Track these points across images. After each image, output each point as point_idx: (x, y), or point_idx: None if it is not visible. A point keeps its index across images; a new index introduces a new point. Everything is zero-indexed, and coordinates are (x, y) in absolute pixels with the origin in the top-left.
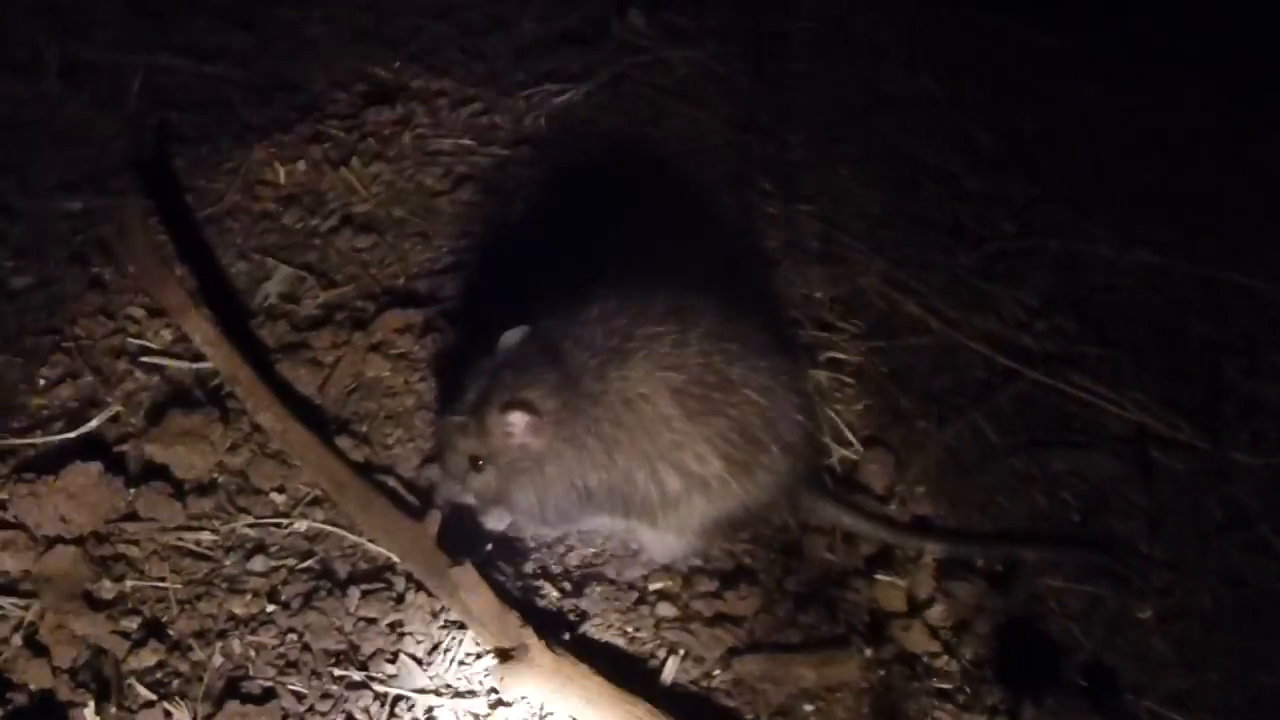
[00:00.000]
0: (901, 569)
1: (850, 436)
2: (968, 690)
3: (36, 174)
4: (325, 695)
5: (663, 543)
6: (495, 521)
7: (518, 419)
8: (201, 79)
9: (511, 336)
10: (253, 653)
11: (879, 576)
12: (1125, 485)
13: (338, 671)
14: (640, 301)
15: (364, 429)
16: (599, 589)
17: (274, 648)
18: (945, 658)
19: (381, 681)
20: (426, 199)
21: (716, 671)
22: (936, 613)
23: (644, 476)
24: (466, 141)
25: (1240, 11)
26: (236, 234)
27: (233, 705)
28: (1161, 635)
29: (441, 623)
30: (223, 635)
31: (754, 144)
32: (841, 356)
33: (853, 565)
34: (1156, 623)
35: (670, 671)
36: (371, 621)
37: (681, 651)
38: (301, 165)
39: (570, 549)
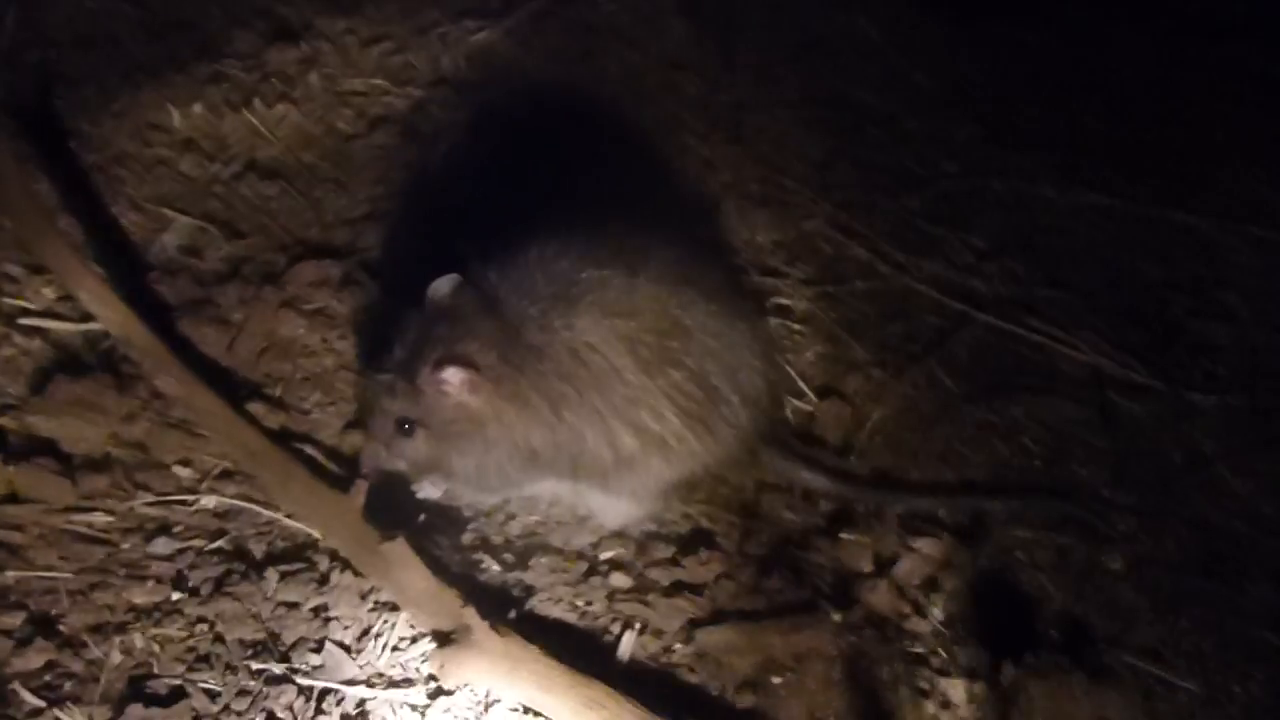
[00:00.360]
0: (865, 526)
1: (803, 386)
2: (942, 652)
3: None
4: (242, 692)
5: (615, 507)
6: (429, 490)
7: (454, 375)
8: (85, 14)
9: (442, 286)
10: (157, 647)
11: (842, 535)
12: (1085, 430)
13: (256, 665)
14: (583, 243)
15: (278, 392)
16: (545, 560)
17: (182, 640)
18: (916, 618)
19: (306, 674)
20: (339, 143)
21: (677, 645)
22: (903, 570)
23: (595, 435)
24: (379, 81)
25: None
26: (128, 183)
27: (135, 709)
28: (1131, 584)
29: (371, 605)
30: (122, 629)
31: (687, 84)
32: (788, 303)
33: (814, 524)
34: (1126, 571)
35: (627, 647)
36: (293, 606)
37: (638, 625)
38: (198, 108)
39: (511, 517)
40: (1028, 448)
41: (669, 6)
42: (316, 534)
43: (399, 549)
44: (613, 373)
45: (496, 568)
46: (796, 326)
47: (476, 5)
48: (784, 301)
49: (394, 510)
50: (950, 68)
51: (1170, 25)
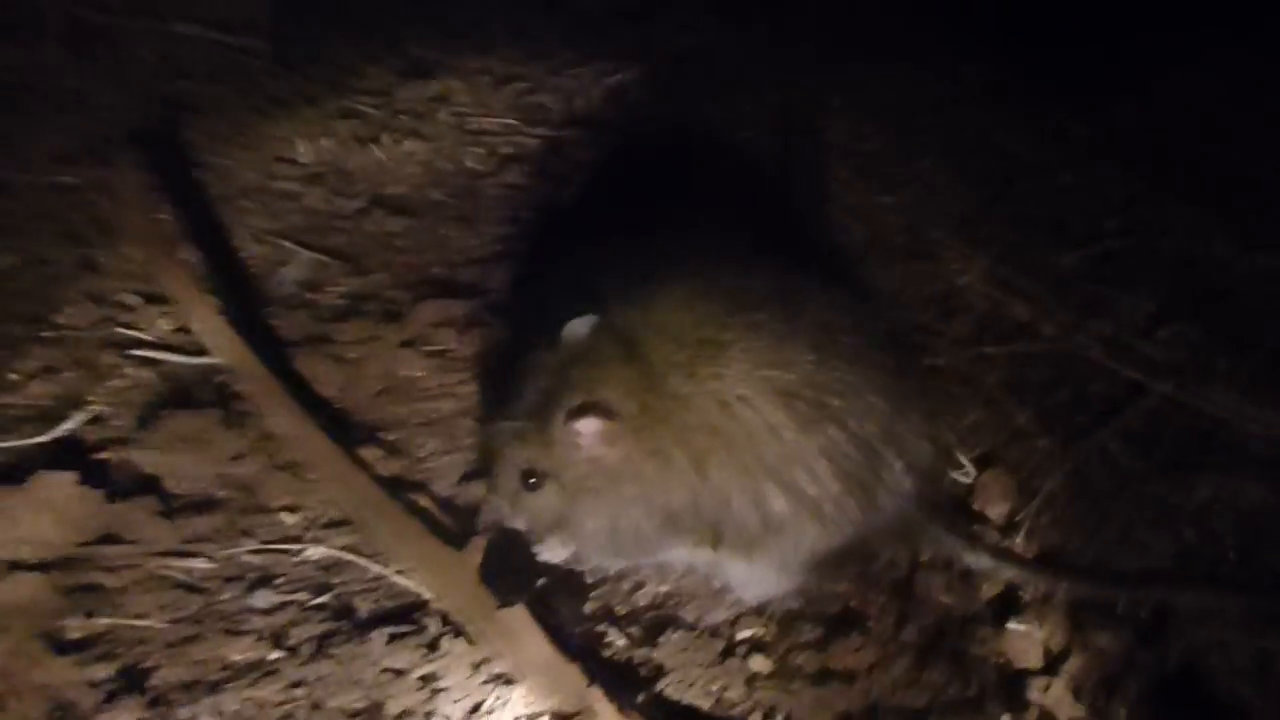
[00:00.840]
0: (1033, 614)
1: (961, 457)
2: None
3: (32, 146)
4: None
5: (757, 579)
6: (554, 551)
7: (590, 425)
8: (220, 49)
9: (579, 326)
10: (252, 710)
11: (1009, 625)
12: None
13: None
14: (732, 285)
15: (394, 437)
16: (676, 636)
17: (278, 704)
18: None
19: None
20: (468, 181)
21: None
22: (1076, 667)
23: (742, 497)
24: (511, 121)
25: None
26: (252, 215)
27: None
28: None
29: (485, 677)
30: (215, 689)
31: (829, 131)
32: (942, 363)
33: (975, 610)
34: None
35: None
36: (399, 674)
37: (781, 716)
38: (326, 142)
39: (639, 586)
40: (1218, 534)
41: (803, 52)
42: (427, 594)
43: (518, 616)
44: (765, 428)
45: (623, 642)
46: (953, 388)
47: (611, 48)
48: (937, 362)
49: (513, 573)
50: (1105, 116)
51: None
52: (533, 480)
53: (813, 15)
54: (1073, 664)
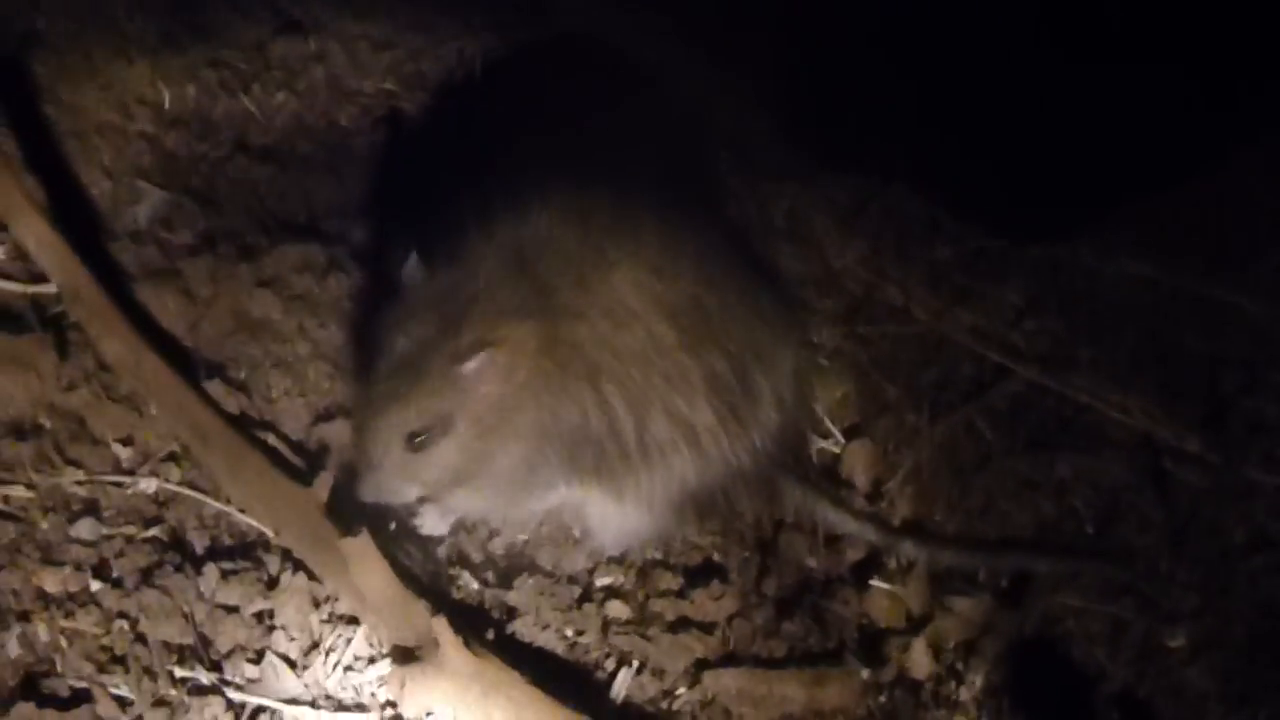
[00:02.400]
0: (895, 579)
1: (830, 426)
2: None
3: None
4: (160, 702)
5: (620, 521)
6: (434, 523)
7: (487, 360)
8: None
9: (411, 267)
10: (64, 642)
11: (873, 583)
12: (1138, 496)
13: (180, 671)
14: (618, 204)
15: (242, 375)
16: (531, 581)
17: (95, 637)
18: (953, 684)
19: (239, 687)
20: (339, 137)
21: (681, 689)
22: (937, 631)
23: (629, 419)
24: (388, 86)
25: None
26: (104, 153)
27: (25, 709)
28: (1198, 666)
29: (325, 615)
30: (25, 617)
31: (719, 118)
32: (817, 339)
33: (838, 572)
34: (1191, 652)
35: (622, 685)
36: (232, 610)
37: (637, 662)
38: (192, 90)
39: (495, 534)
40: (1077, 509)
41: (699, 40)
42: (269, 531)
43: (361, 546)
44: (654, 345)
45: (475, 585)
46: (824, 363)
47: (498, 21)
48: (812, 337)
49: (361, 512)
50: (983, 123)
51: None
52: (420, 439)
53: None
54: (933, 627)
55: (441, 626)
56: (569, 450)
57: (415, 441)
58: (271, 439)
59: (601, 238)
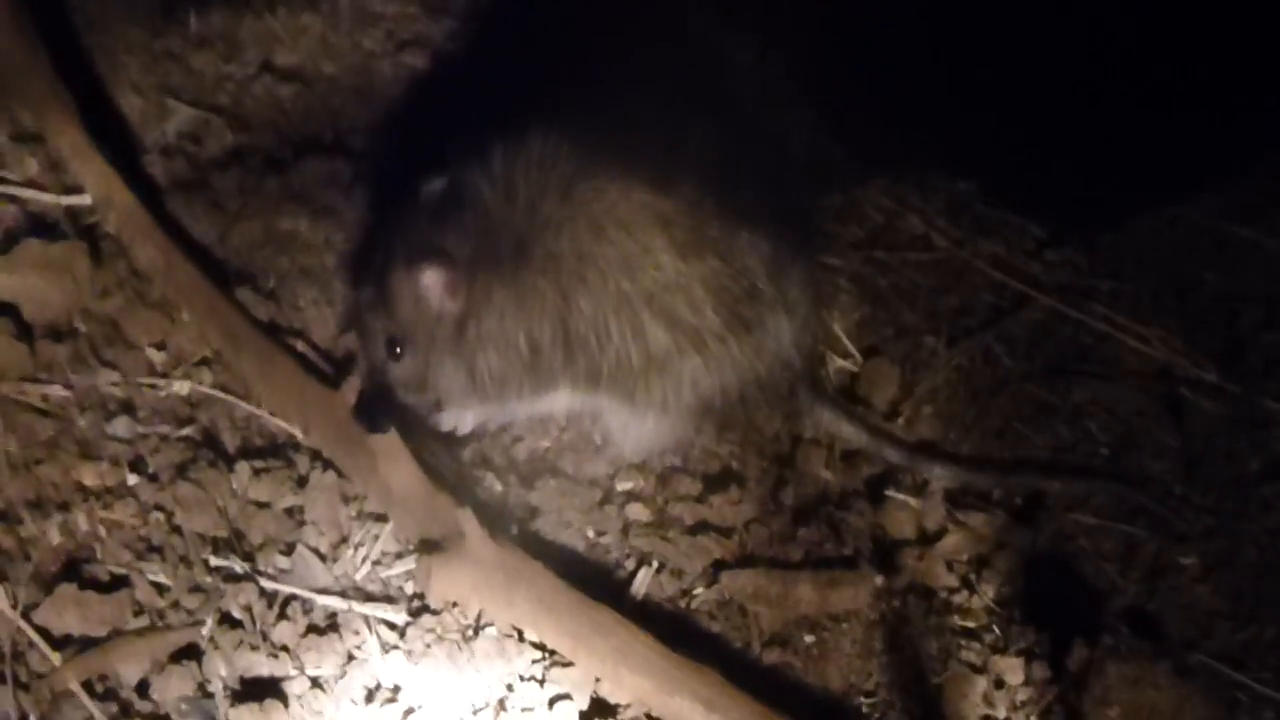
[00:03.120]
0: (909, 494)
1: (849, 346)
2: (996, 630)
3: None
4: (195, 588)
5: (638, 428)
6: (454, 421)
7: (426, 277)
8: None
9: (435, 185)
10: (104, 531)
11: (888, 494)
12: (1154, 423)
13: (214, 560)
14: (618, 111)
15: (271, 284)
16: (553, 483)
17: (133, 528)
18: (965, 593)
19: (271, 577)
20: (363, 59)
21: (699, 589)
22: (950, 545)
23: (620, 327)
24: (412, 9)
25: None
26: (132, 70)
27: (67, 589)
28: (1209, 587)
29: (354, 512)
30: (65, 508)
31: (738, 50)
32: (837, 262)
33: (854, 486)
34: (1201, 571)
35: (642, 584)
36: (263, 506)
37: (656, 562)
38: (217, 9)
39: (518, 439)
40: (1092, 434)
41: None
42: (299, 433)
43: (390, 445)
44: (644, 254)
45: (499, 486)
46: (844, 284)
47: None
48: (833, 260)
49: (388, 415)
50: (1007, 59)
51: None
52: (397, 348)
53: None
54: (947, 541)
55: (466, 517)
56: (559, 358)
57: (394, 350)
58: (300, 345)
59: (594, 150)
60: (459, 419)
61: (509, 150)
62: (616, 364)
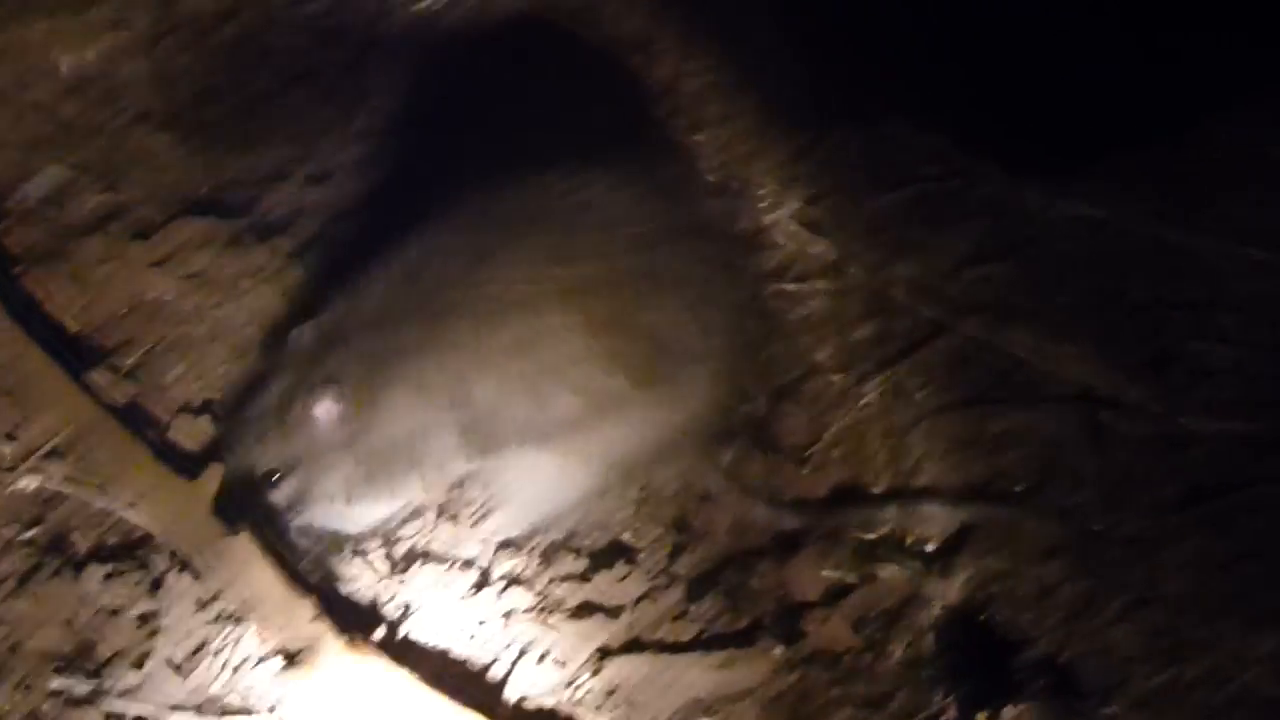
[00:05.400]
0: (817, 548)
1: (755, 390)
2: (904, 693)
3: None
4: (31, 715)
5: (525, 501)
6: (326, 519)
7: (322, 410)
8: None
9: (306, 332)
10: None
11: (792, 558)
12: (1073, 453)
13: (56, 682)
14: (509, 197)
15: (133, 361)
16: (429, 572)
17: None
18: (871, 655)
19: (119, 695)
20: (251, 101)
21: (583, 678)
22: (860, 601)
23: (521, 402)
24: (303, 42)
25: None
26: None
27: None
28: (1125, 626)
29: (212, 616)
30: None
31: (652, 67)
32: (745, 299)
33: (759, 545)
34: (1119, 612)
35: (521, 678)
36: (115, 613)
37: (538, 652)
38: (91, 54)
39: (393, 528)
40: (1008, 469)
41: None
42: (155, 528)
43: (247, 546)
44: (544, 330)
45: (368, 576)
46: (750, 324)
47: None
48: (740, 297)
49: (253, 504)
50: (935, 67)
51: (1173, 39)
52: (277, 476)
53: None
54: (855, 597)
55: (327, 627)
56: (449, 445)
57: (275, 478)
58: (160, 429)
59: (491, 232)
60: (339, 518)
61: (413, 248)
62: (517, 436)
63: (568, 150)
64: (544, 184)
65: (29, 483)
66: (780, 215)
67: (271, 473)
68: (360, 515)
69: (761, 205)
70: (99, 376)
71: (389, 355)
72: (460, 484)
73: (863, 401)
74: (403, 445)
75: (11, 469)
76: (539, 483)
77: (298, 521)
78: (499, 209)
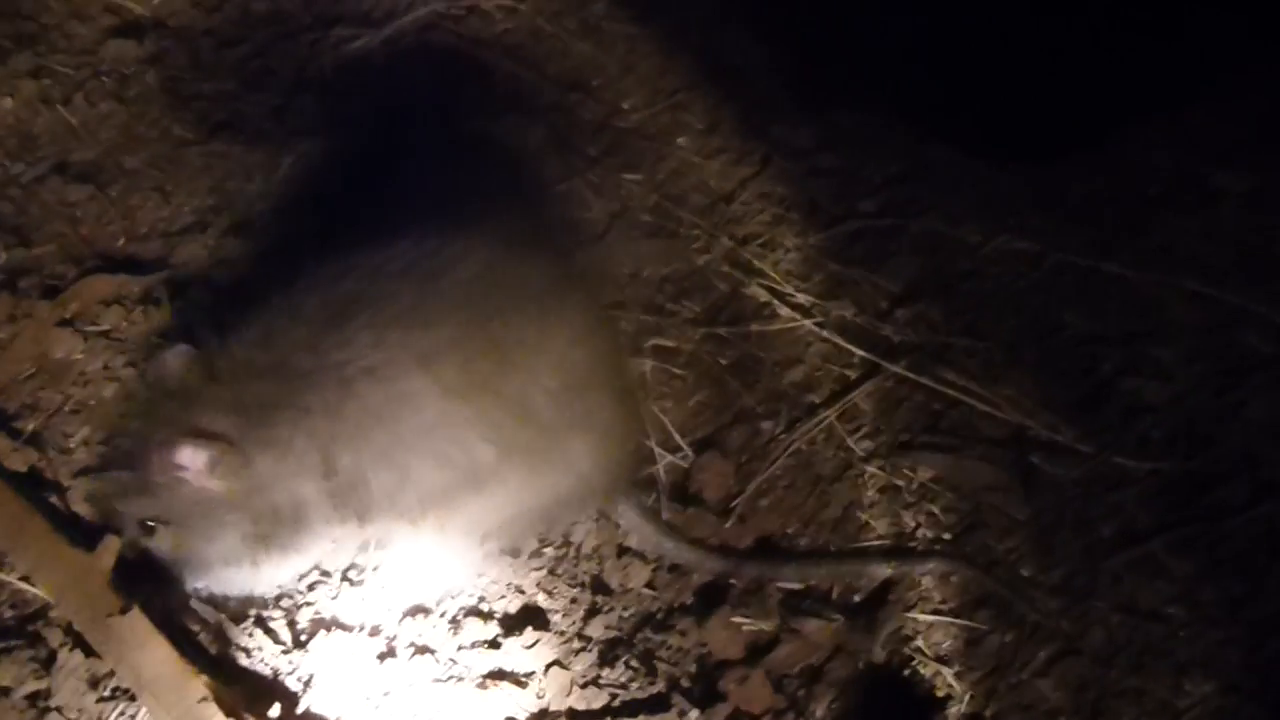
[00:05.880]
0: (740, 604)
1: (679, 440)
2: None
3: None
4: None
5: (426, 568)
6: (220, 588)
7: (191, 459)
8: None
9: (171, 358)
10: None
11: (712, 615)
12: (1004, 498)
13: None
14: (376, 254)
15: (34, 425)
16: (333, 639)
17: None
18: (792, 714)
19: None
20: (171, 149)
21: None
22: (781, 657)
23: (388, 473)
24: (229, 86)
25: None
26: None
27: None
28: (1052, 680)
29: (105, 692)
30: None
31: (583, 108)
32: (671, 344)
33: (680, 601)
34: (1045, 664)
35: None
36: (4, 693)
37: None
38: (9, 102)
39: (301, 578)
40: (937, 517)
41: (572, 27)
42: (50, 601)
43: (134, 622)
44: (400, 398)
45: (271, 648)
46: (678, 371)
47: (353, 12)
48: (666, 343)
49: (151, 574)
50: (870, 102)
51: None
52: (151, 526)
53: None
54: (778, 653)
55: (211, 708)
56: (324, 513)
57: (147, 527)
58: (56, 496)
59: (344, 301)
60: (226, 583)
61: (259, 308)
62: (391, 507)
63: (457, 198)
64: (412, 239)
65: None
66: (714, 256)
67: (146, 521)
68: (265, 578)
69: (695, 246)
70: None
71: (248, 420)
72: (363, 548)
73: (790, 449)
74: (286, 509)
75: None
76: (422, 554)
77: (201, 589)
78: (361, 266)
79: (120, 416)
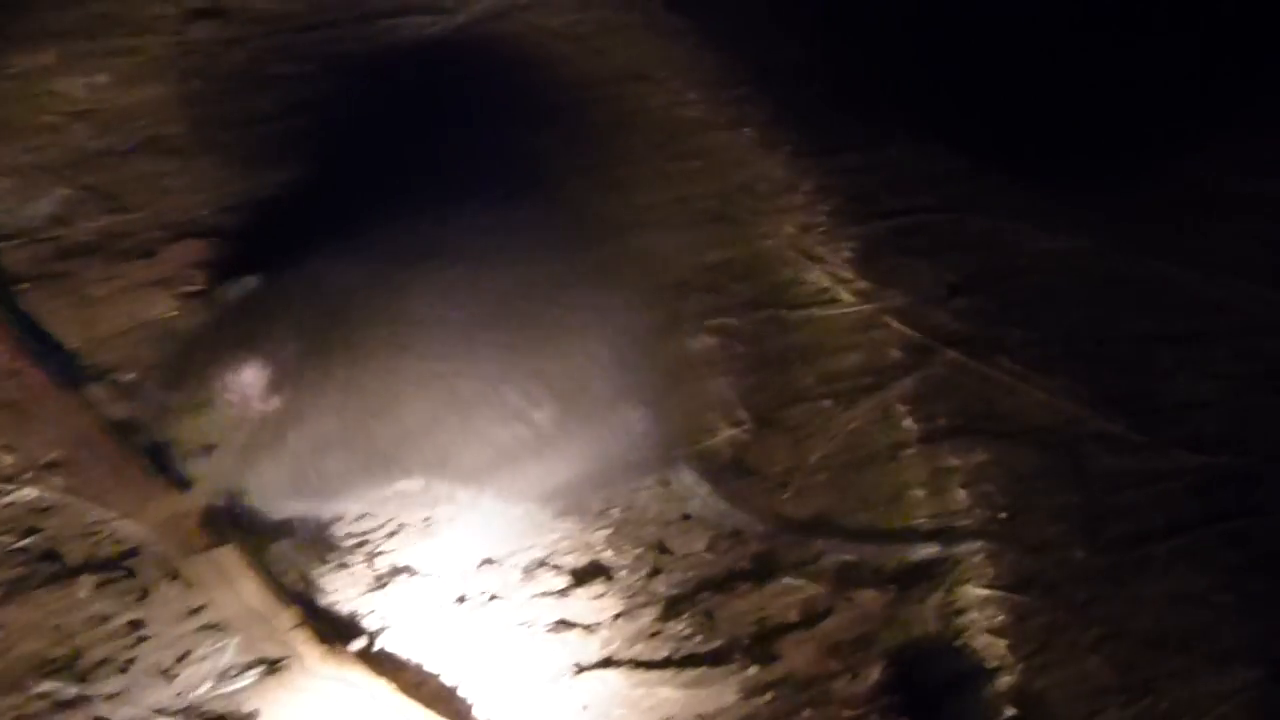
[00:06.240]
0: (797, 572)
1: (741, 414)
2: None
3: None
4: (21, 717)
5: (495, 521)
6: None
7: (244, 379)
8: None
9: (235, 288)
10: None
11: (771, 581)
12: (1057, 482)
13: (44, 685)
14: (450, 209)
15: (132, 378)
16: (409, 584)
17: None
18: (846, 679)
19: (104, 699)
20: (255, 125)
21: (557, 693)
22: (836, 624)
23: (443, 424)
24: (310, 67)
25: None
26: (6, 147)
27: None
28: (1100, 658)
29: (199, 624)
30: None
31: (648, 96)
32: (734, 322)
33: (739, 566)
34: (1094, 642)
35: (497, 693)
36: (103, 620)
37: (514, 667)
38: (103, 78)
39: (374, 541)
40: (991, 497)
41: (636, 20)
42: (146, 539)
43: (229, 556)
44: (462, 347)
45: (351, 590)
46: (741, 349)
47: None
48: (729, 321)
49: (244, 517)
50: (935, 95)
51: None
52: (211, 448)
53: None
54: (831, 621)
55: (305, 638)
56: (393, 454)
57: (203, 450)
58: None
59: (409, 245)
60: (298, 516)
61: (334, 241)
62: (457, 458)
63: (508, 177)
64: (481, 200)
65: (26, 494)
66: (776, 243)
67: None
68: (329, 508)
69: (758, 231)
70: (97, 391)
71: (317, 349)
72: (433, 502)
73: (849, 428)
74: (342, 453)
75: (9, 480)
76: (491, 510)
77: (283, 529)
78: (431, 218)
79: (187, 341)
